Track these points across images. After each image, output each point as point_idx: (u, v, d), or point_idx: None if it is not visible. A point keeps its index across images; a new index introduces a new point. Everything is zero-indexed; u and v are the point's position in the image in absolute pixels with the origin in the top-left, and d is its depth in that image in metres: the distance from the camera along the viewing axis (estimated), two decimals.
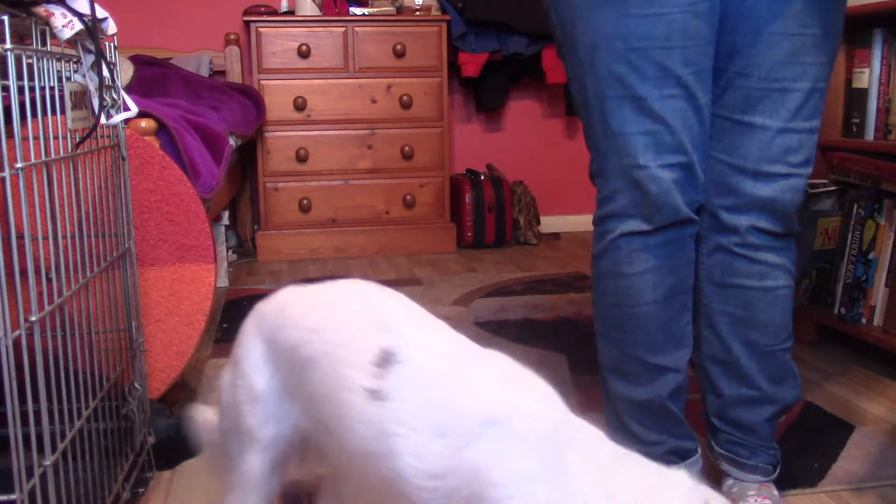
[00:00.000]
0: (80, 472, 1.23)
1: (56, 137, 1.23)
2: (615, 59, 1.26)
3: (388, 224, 3.84)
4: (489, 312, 2.81)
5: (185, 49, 3.91)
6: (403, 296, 1.01)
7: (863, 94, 2.30)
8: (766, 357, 1.39)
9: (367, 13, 3.75)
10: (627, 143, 1.28)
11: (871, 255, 2.24)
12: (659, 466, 0.80)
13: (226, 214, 3.36)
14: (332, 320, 0.98)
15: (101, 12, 1.29)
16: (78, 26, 1.21)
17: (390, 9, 3.81)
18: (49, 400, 1.11)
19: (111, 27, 1.35)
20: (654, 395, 1.38)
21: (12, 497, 1.01)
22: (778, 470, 1.47)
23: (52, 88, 1.23)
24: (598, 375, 1.47)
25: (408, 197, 3.83)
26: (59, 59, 1.27)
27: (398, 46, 3.73)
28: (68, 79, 1.31)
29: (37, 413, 1.06)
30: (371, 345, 0.91)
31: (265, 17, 3.68)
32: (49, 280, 1.17)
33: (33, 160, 1.14)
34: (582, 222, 4.31)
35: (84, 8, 1.24)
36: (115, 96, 1.43)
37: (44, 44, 1.21)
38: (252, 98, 3.52)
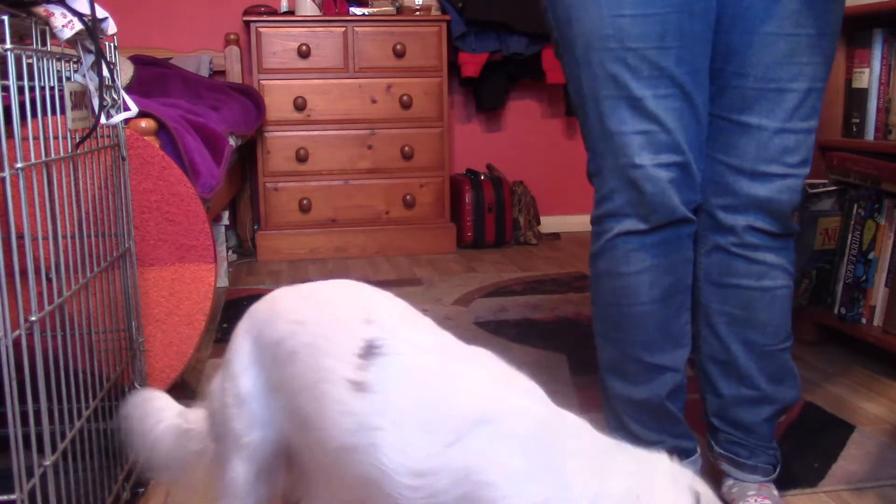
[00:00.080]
0: (80, 472, 1.23)
1: (56, 137, 1.23)
2: (610, 59, 1.26)
3: (388, 224, 3.84)
4: (489, 312, 2.81)
5: (185, 49, 3.91)
6: (392, 294, 1.00)
7: (863, 94, 2.30)
8: (766, 357, 1.39)
9: (367, 13, 3.76)
10: (623, 143, 1.29)
11: (871, 255, 2.24)
12: (642, 452, 0.80)
13: (226, 214, 3.36)
14: (318, 313, 0.97)
15: (101, 12, 1.29)
16: (78, 26, 1.22)
17: (390, 9, 3.81)
18: (49, 400, 1.11)
19: (111, 27, 1.35)
20: (653, 395, 1.38)
21: (12, 497, 1.01)
22: (778, 470, 1.47)
23: (52, 88, 1.23)
24: (598, 375, 1.47)
25: (408, 197, 3.83)
26: (59, 59, 1.27)
27: (398, 46, 3.73)
28: (68, 79, 1.31)
29: (37, 413, 1.06)
30: (356, 337, 0.89)
31: (265, 17, 3.68)
32: (49, 280, 1.17)
33: (33, 160, 1.15)
34: (582, 222, 4.31)
35: (84, 8, 1.24)
36: (115, 96, 1.43)
37: (44, 44, 1.21)
38: (252, 98, 3.52)
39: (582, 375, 2.14)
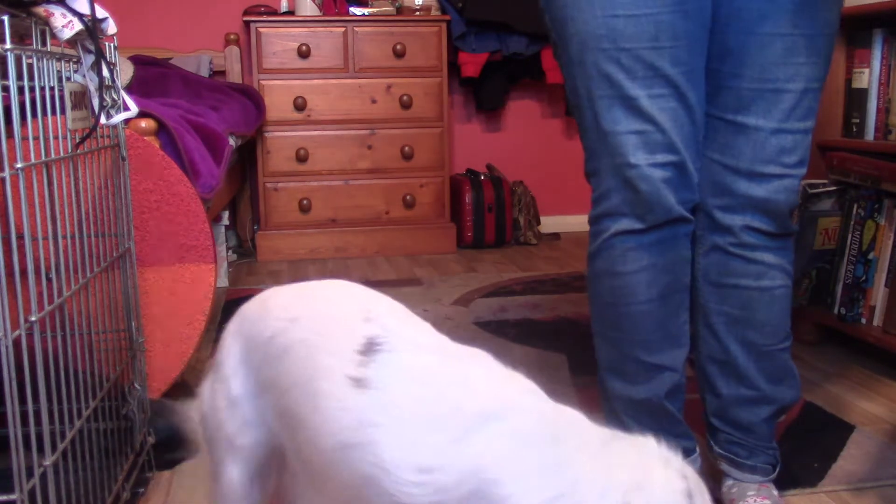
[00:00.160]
0: (80, 472, 1.23)
1: (56, 137, 1.23)
2: (605, 59, 1.27)
3: (388, 224, 3.84)
4: (489, 312, 2.81)
5: (185, 49, 3.91)
6: (385, 296, 0.99)
7: (863, 94, 2.30)
8: (764, 357, 1.39)
9: (367, 13, 3.76)
10: (618, 143, 1.29)
11: (870, 255, 2.24)
12: (636, 439, 0.82)
13: (226, 214, 3.36)
14: (312, 310, 0.96)
15: (100, 12, 1.29)
16: (78, 26, 1.22)
17: (390, 9, 3.81)
18: (49, 400, 1.11)
19: (111, 27, 1.35)
20: (652, 395, 1.38)
21: (12, 497, 1.01)
22: (777, 470, 1.47)
23: (52, 88, 1.23)
24: (597, 375, 1.47)
25: (408, 197, 3.83)
26: (59, 59, 1.27)
27: (398, 46, 3.73)
28: (68, 79, 1.31)
29: (37, 413, 1.06)
30: (355, 333, 0.88)
31: (265, 17, 3.68)
32: (49, 280, 1.17)
33: (33, 160, 1.15)
34: (582, 222, 4.29)
35: (84, 8, 1.24)
36: (115, 96, 1.43)
37: (44, 44, 1.21)
38: (252, 98, 3.53)
39: (582, 375, 2.14)
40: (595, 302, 1.42)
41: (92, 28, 1.25)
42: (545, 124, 4.36)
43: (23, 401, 1.02)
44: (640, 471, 0.77)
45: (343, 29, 3.71)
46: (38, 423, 1.07)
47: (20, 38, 1.19)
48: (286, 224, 3.76)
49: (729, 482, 1.47)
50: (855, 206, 2.29)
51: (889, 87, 2.24)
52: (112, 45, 1.43)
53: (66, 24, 1.20)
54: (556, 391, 0.87)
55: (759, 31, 1.27)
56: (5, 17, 1.02)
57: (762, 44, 1.27)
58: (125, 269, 1.56)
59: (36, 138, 1.16)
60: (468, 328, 2.62)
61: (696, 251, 1.40)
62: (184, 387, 2.04)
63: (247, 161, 3.89)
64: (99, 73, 1.32)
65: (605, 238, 1.35)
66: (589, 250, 1.40)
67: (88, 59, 1.32)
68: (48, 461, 1.08)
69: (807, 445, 1.75)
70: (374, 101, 3.76)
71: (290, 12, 3.79)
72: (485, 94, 4.10)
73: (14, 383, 0.98)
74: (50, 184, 1.22)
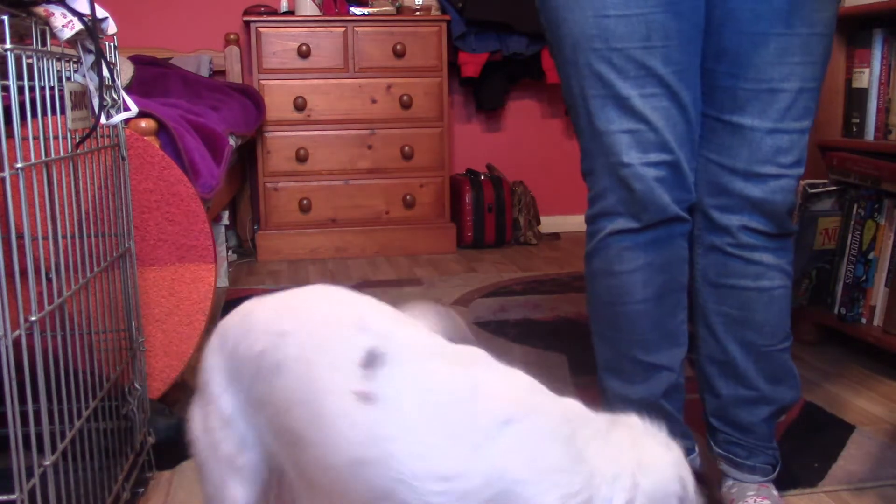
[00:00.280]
0: (80, 472, 1.23)
1: (56, 137, 1.23)
2: (597, 59, 1.27)
3: (388, 224, 3.84)
4: (489, 312, 2.81)
5: (185, 49, 3.91)
6: (370, 297, 0.97)
7: (863, 94, 2.30)
8: (764, 357, 1.39)
9: (367, 13, 3.76)
10: (612, 142, 1.29)
11: (871, 255, 2.24)
12: (627, 419, 0.87)
13: (226, 214, 3.36)
14: (301, 323, 0.93)
15: (101, 12, 1.29)
16: (78, 26, 1.22)
17: (390, 9, 3.81)
18: (49, 400, 1.11)
19: (111, 27, 1.35)
20: (649, 394, 1.39)
21: (12, 497, 1.01)
22: (777, 470, 1.47)
23: (52, 88, 1.23)
24: (596, 375, 1.47)
25: (408, 197, 3.83)
26: (59, 59, 1.27)
27: (398, 46, 3.73)
28: (68, 79, 1.31)
29: (37, 413, 1.06)
30: (353, 346, 0.86)
31: (265, 17, 3.68)
32: (49, 280, 1.17)
33: (33, 160, 1.15)
34: (582, 222, 4.29)
35: (84, 8, 1.24)
36: (115, 96, 1.43)
37: (44, 44, 1.21)
38: (252, 98, 3.53)
39: (582, 375, 2.14)
40: (593, 301, 1.43)
41: (92, 28, 1.25)
42: (545, 124, 4.36)
43: (23, 401, 1.02)
44: (638, 450, 0.82)
45: (343, 29, 3.71)
46: (38, 423, 1.07)
47: (20, 37, 1.19)
48: (286, 224, 3.76)
49: (728, 482, 1.47)
50: (855, 206, 2.29)
51: (889, 87, 2.24)
52: (112, 45, 1.43)
53: (66, 24, 1.20)
54: (556, 391, 0.88)
55: (754, 31, 1.27)
56: (5, 17, 1.02)
57: (756, 44, 1.27)
58: (125, 268, 1.56)
59: (36, 138, 1.16)
60: (468, 328, 2.62)
61: (694, 251, 1.40)
62: (184, 387, 2.04)
63: (247, 161, 3.89)
64: (99, 73, 1.32)
65: (602, 237, 1.35)
66: (586, 250, 1.41)
67: (88, 59, 1.32)
68: (48, 461, 1.09)
69: (807, 445, 1.75)
70: (374, 101, 3.76)
71: (290, 12, 3.79)
72: (485, 94, 4.10)
73: (14, 383, 0.98)
74: (50, 184, 1.22)
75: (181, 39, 3.92)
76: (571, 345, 2.41)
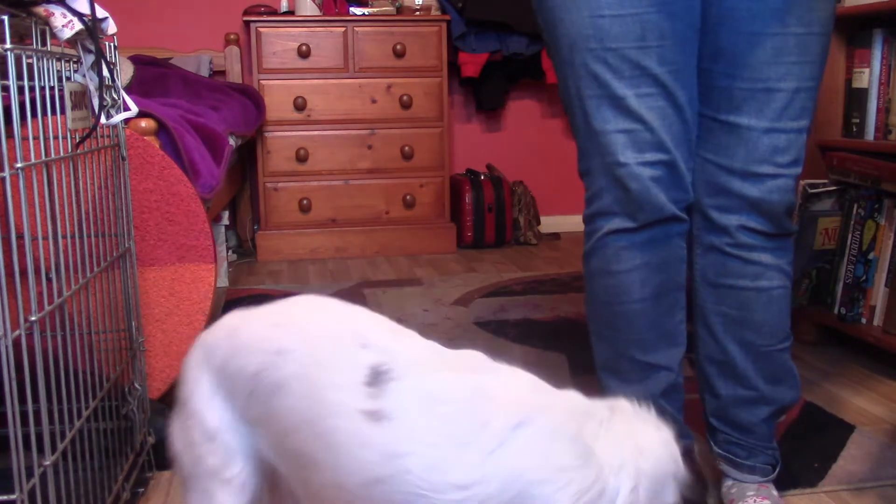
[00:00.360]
0: (80, 472, 1.23)
1: (56, 137, 1.23)
2: (592, 59, 1.27)
3: (388, 224, 3.84)
4: (489, 312, 2.81)
5: (185, 49, 3.91)
6: (361, 307, 0.96)
7: (863, 94, 2.30)
8: (763, 357, 1.39)
9: (367, 13, 3.76)
10: (608, 142, 1.29)
11: (871, 255, 2.24)
12: (620, 404, 0.91)
13: (226, 214, 3.36)
14: (299, 341, 0.91)
15: (101, 12, 1.29)
16: (78, 26, 1.22)
17: (390, 9, 3.81)
18: (49, 400, 1.11)
19: (111, 27, 1.35)
20: (648, 394, 1.38)
21: (12, 497, 1.01)
22: (777, 470, 1.47)
23: (52, 88, 1.23)
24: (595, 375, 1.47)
25: (408, 197, 3.83)
26: (59, 59, 1.27)
27: (398, 46, 3.73)
28: (68, 79, 1.31)
29: (37, 413, 1.06)
30: (356, 363, 0.86)
31: (265, 17, 3.68)
32: (49, 280, 1.17)
33: (33, 160, 1.15)
34: (582, 222, 4.30)
35: (84, 8, 1.24)
36: (115, 96, 1.43)
37: (44, 44, 1.21)
38: (252, 98, 3.53)
39: (582, 375, 2.14)
40: (591, 301, 1.43)
41: (92, 28, 1.25)
42: (545, 124, 4.36)
43: (23, 401, 1.02)
44: (636, 436, 0.87)
45: (343, 29, 3.71)
46: (38, 423, 1.07)
47: (20, 37, 1.19)
48: (286, 224, 3.76)
49: (728, 482, 1.47)
50: (855, 206, 2.29)
51: (889, 86, 2.24)
52: (112, 44, 1.43)
53: (66, 24, 1.20)
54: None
55: (750, 31, 1.27)
56: (5, 17, 1.02)
57: (752, 43, 1.27)
58: (125, 268, 1.56)
59: (36, 138, 1.16)
60: (468, 328, 2.62)
61: (693, 251, 1.40)
62: None
63: (247, 161, 3.89)
64: (99, 73, 1.32)
65: (599, 237, 1.35)
66: (584, 250, 1.41)
67: (88, 59, 1.32)
68: (48, 461, 1.09)
69: (807, 445, 1.75)
70: (374, 101, 3.76)
71: (290, 12, 3.79)
72: (485, 94, 4.10)
73: (14, 383, 0.98)
74: (50, 184, 1.22)
75: (181, 39, 3.92)
76: (571, 345, 2.41)
